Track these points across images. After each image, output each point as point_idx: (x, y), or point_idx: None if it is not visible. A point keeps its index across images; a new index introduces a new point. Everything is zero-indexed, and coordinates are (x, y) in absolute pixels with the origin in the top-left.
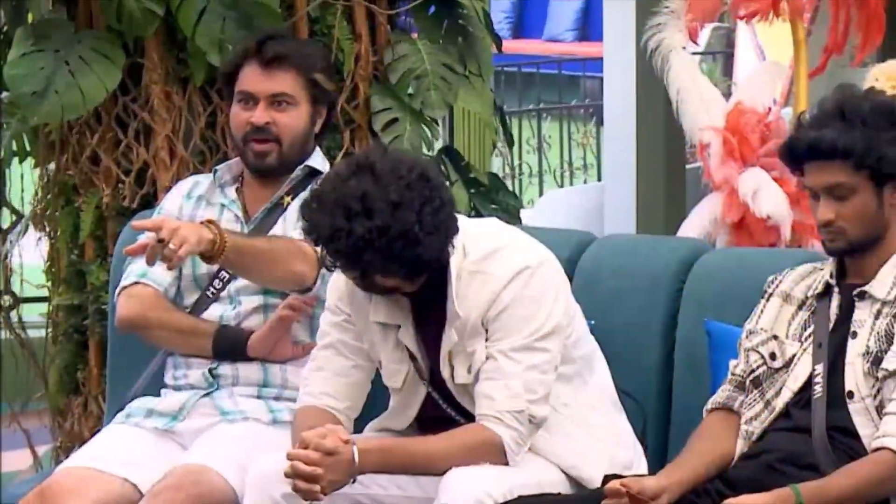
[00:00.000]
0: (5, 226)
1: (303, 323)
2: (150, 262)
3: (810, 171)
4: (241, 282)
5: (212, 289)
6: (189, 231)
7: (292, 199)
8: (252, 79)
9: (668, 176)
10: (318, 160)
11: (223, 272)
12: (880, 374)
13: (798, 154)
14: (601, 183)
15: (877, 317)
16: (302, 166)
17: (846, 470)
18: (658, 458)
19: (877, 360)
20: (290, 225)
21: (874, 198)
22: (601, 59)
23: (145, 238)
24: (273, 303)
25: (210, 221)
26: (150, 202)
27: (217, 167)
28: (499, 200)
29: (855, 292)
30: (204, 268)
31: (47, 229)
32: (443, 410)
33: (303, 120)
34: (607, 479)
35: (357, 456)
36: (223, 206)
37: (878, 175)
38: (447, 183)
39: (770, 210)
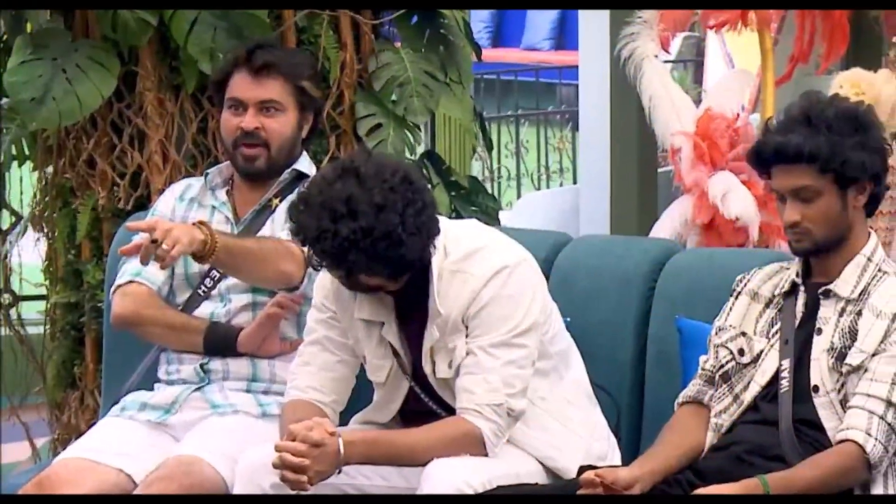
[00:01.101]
0: (5, 227)
1: (290, 320)
2: (144, 262)
3: (777, 174)
4: (230, 280)
5: (203, 287)
6: (181, 232)
7: (280, 201)
8: (242, 86)
9: (641, 179)
10: (304, 164)
11: (214, 271)
12: (844, 370)
13: (765, 158)
14: (577, 186)
15: (841, 314)
16: (289, 170)
17: (812, 461)
18: (631, 449)
19: (841, 356)
20: (277, 226)
21: (838, 200)
22: (577, 67)
23: (139, 238)
24: (261, 301)
25: (202, 223)
26: (143, 204)
27: (208, 171)
28: (478, 202)
29: (820, 291)
30: (195, 267)
31: (45, 230)
32: (424, 404)
33: (290, 125)
34: (582, 469)
35: (342, 447)
36: (214, 207)
37: (842, 178)
38: (429, 186)
39: (738, 212)
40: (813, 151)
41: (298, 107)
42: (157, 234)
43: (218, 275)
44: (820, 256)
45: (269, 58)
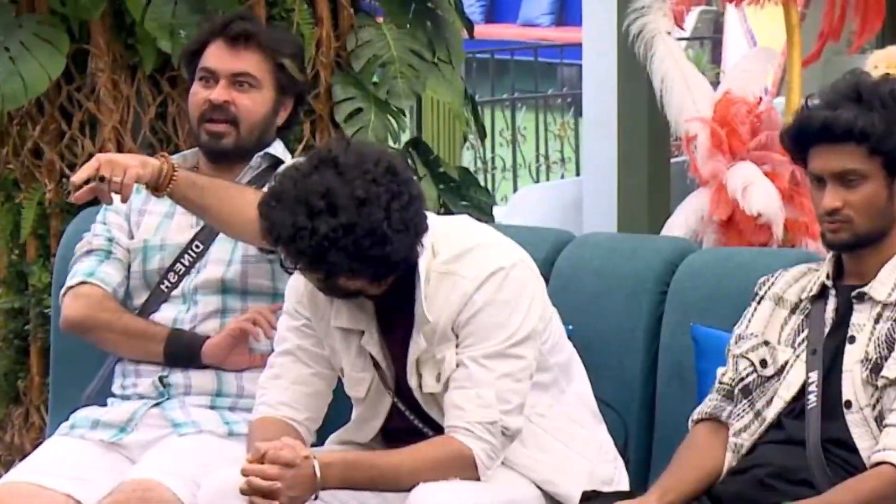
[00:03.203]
0: None
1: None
2: (108, 202)
3: (819, 154)
4: (198, 279)
5: (166, 283)
6: (128, 157)
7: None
8: (215, 56)
9: (652, 170)
10: (279, 149)
11: (178, 264)
12: (880, 383)
13: (808, 135)
14: (580, 178)
15: (877, 321)
16: (262, 154)
17: (844, 486)
18: (640, 472)
19: (876, 368)
20: None
21: (885, 188)
22: (580, 45)
23: (93, 184)
24: (232, 306)
25: (160, 154)
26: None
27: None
28: (470, 196)
29: (853, 294)
30: (155, 262)
31: None
32: (409, 422)
33: (265, 105)
34: (586, 495)
35: (318, 470)
36: None
37: (892, 163)
38: (415, 178)
39: (761, 207)
40: (866, 129)
41: (276, 86)
42: (102, 169)
43: (182, 268)
44: (856, 253)
45: (248, 28)
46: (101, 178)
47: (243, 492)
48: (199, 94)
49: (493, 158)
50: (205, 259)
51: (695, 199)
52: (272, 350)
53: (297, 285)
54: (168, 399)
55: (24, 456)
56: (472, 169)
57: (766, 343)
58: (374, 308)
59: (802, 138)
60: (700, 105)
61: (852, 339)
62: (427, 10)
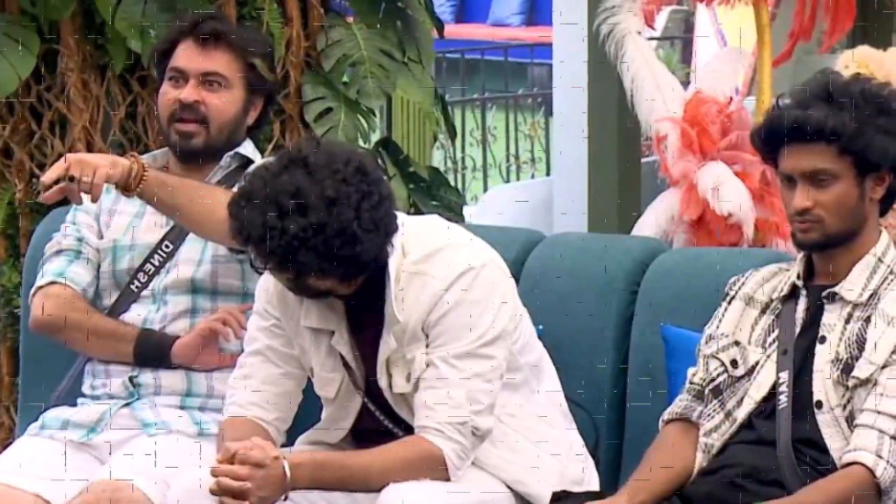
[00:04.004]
0: None
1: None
2: (77, 201)
3: (790, 153)
4: (168, 278)
5: (136, 283)
6: (98, 157)
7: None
8: (185, 55)
9: (622, 170)
10: (249, 149)
11: (148, 264)
12: (851, 383)
13: (778, 135)
14: (550, 178)
15: (847, 321)
16: (231, 153)
17: (815, 487)
18: (611, 472)
19: (847, 368)
20: None
21: (855, 188)
22: (550, 44)
23: (62, 184)
24: (202, 306)
25: (130, 154)
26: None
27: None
28: (440, 196)
29: (824, 294)
30: (125, 262)
31: None
32: (379, 422)
33: (235, 105)
34: (556, 496)
35: (288, 470)
36: None
37: (862, 163)
38: (385, 177)
39: (731, 207)
40: (836, 128)
41: (246, 86)
42: (72, 169)
43: (153, 268)
44: (826, 253)
45: (218, 27)
46: (71, 178)
47: (213, 492)
48: (168, 93)
49: (463, 158)
50: (175, 259)
51: (665, 198)
52: (242, 350)
53: (267, 285)
54: (138, 399)
55: None
56: (442, 169)
57: (737, 343)
58: (344, 308)
59: (773, 138)
60: (670, 105)
61: (823, 340)
62: (397, 9)
